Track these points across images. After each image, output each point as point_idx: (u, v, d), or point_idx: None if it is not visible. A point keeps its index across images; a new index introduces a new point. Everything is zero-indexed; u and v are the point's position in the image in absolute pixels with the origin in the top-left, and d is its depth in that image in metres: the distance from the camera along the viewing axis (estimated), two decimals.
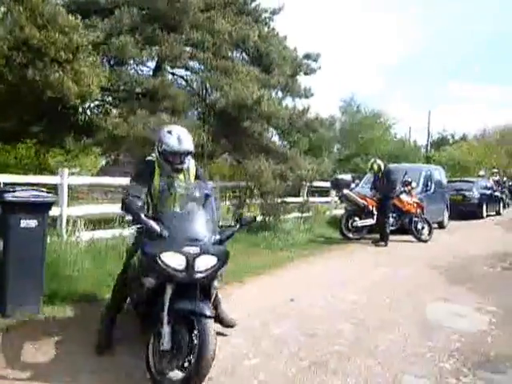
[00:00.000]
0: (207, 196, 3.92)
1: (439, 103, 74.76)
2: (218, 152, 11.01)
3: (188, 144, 3.86)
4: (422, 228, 11.73)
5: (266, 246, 9.65)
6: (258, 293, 6.26)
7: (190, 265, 3.31)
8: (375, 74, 74.62)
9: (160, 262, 3.31)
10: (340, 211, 13.07)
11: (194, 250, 3.35)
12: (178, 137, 3.83)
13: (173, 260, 3.32)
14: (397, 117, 32.03)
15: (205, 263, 3.37)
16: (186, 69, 11.76)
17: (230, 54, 11.88)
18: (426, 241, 11.58)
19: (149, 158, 4.03)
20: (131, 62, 10.91)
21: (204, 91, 11.62)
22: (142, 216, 3.49)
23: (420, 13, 79.47)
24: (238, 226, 3.86)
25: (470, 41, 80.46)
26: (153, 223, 3.46)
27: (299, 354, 4.15)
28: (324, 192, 15.25)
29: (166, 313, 3.30)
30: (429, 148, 35.91)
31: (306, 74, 12.71)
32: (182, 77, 11.93)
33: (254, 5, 12.79)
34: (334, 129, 24.24)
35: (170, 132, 3.87)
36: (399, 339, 4.62)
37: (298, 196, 13.45)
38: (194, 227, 3.50)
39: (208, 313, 3.28)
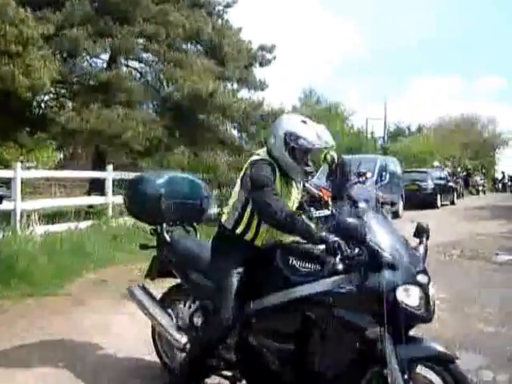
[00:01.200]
0: None
1: (400, 96, 76.47)
2: (175, 145, 11.01)
3: (331, 139, 2.89)
4: None
5: None
6: None
7: (428, 299, 2.44)
8: (335, 67, 75.47)
9: (398, 299, 2.38)
10: None
11: (423, 277, 2.47)
12: (316, 130, 2.86)
13: (408, 295, 2.40)
14: (354, 109, 32.74)
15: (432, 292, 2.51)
16: (140, 61, 11.77)
17: (184, 46, 11.96)
18: None
19: (258, 156, 2.95)
20: (84, 54, 10.81)
21: (159, 84, 11.63)
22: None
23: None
24: None
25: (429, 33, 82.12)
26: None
27: None
28: None
29: (395, 366, 2.37)
30: (386, 139, 36.71)
31: (261, 65, 12.84)
32: (136, 69, 11.91)
33: None
34: None
35: (304, 122, 2.88)
36: None
37: None
38: (403, 244, 2.59)
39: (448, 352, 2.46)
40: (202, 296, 3.17)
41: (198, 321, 3.25)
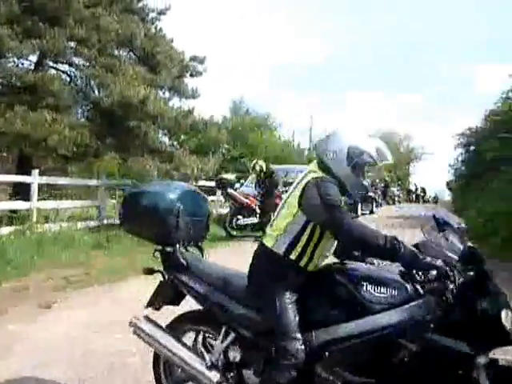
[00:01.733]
0: None
1: (328, 110, 79.23)
2: (105, 151, 10.89)
3: (390, 155, 2.73)
4: None
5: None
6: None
7: None
8: (268, 78, 77.03)
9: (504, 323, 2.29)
10: (225, 210, 13.52)
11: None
12: (377, 145, 2.70)
13: (507, 319, 2.32)
14: (282, 120, 33.46)
15: None
16: (70, 65, 11.49)
17: (116, 52, 11.82)
18: None
19: (318, 174, 2.67)
20: (10, 54, 10.41)
21: (89, 89, 11.44)
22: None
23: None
24: None
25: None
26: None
27: None
28: (210, 191, 15.62)
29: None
30: (311, 150, 37.89)
31: (192, 75, 12.97)
32: (65, 72, 11.62)
33: (141, 4, 12.84)
34: (225, 129, 24.87)
35: (367, 137, 2.75)
36: None
37: None
38: None
39: None
40: (239, 327, 2.79)
41: (235, 355, 2.85)
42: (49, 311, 5.53)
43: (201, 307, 2.99)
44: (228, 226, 11.89)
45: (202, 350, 2.99)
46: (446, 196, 38.00)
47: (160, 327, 3.02)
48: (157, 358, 3.12)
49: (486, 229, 9.53)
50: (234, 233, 11.88)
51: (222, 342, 2.85)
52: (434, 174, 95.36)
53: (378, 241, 2.40)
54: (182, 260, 2.93)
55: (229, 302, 2.80)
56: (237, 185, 12.90)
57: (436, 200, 39.32)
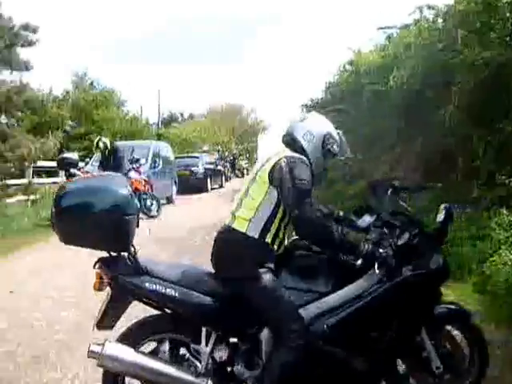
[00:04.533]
0: None
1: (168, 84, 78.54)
2: None
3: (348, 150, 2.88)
4: (151, 204, 12.02)
5: None
6: None
7: None
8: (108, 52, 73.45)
9: None
10: None
11: None
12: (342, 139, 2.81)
13: None
14: (129, 95, 32.30)
15: None
16: None
17: None
18: (154, 216, 11.88)
19: (292, 152, 2.64)
20: None
21: None
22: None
23: None
24: None
25: None
26: None
27: None
28: (53, 172, 14.71)
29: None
30: (160, 125, 37.46)
31: (23, 45, 11.89)
32: None
33: None
34: (67, 104, 23.26)
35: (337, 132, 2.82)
36: None
37: (23, 177, 12.70)
38: None
39: None
40: (221, 324, 2.61)
41: (221, 355, 2.63)
42: None
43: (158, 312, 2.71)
44: None
45: (183, 358, 2.65)
46: None
47: (128, 347, 2.57)
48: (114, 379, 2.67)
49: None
50: None
51: (206, 344, 2.61)
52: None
53: (331, 236, 2.51)
54: (141, 264, 2.57)
55: (203, 299, 2.56)
56: (81, 164, 12.28)
57: None
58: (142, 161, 12.52)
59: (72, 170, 11.27)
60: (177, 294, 2.53)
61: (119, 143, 13.20)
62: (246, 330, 2.62)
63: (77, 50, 62.68)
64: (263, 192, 2.56)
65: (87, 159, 13.96)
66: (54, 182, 14.46)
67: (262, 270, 2.52)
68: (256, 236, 2.54)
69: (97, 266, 2.55)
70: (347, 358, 2.56)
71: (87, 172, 11.75)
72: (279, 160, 2.55)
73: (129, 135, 23.21)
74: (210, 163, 22.46)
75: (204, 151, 25.11)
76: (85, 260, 2.89)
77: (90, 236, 2.48)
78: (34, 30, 12.13)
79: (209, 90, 76.56)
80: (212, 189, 21.29)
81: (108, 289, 2.59)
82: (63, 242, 2.51)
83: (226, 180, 25.65)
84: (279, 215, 2.56)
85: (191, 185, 18.96)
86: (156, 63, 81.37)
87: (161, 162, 15.22)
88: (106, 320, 2.62)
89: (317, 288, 2.60)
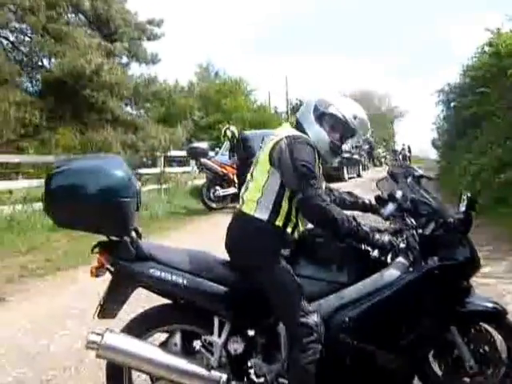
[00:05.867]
0: None
1: (300, 72, 78.38)
2: (58, 125, 9.98)
3: (368, 128, 2.68)
4: None
5: None
6: None
7: None
8: (238, 43, 75.13)
9: None
10: (200, 181, 12.75)
11: None
12: (356, 108, 2.56)
13: None
14: (257, 83, 32.43)
15: None
16: (13, 32, 10.41)
17: (66, 17, 10.76)
18: None
19: (293, 131, 2.46)
20: None
21: (37, 59, 10.41)
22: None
23: None
24: None
25: None
26: None
27: None
28: (183, 162, 14.81)
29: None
30: (289, 114, 37.06)
31: (149, 39, 12.06)
32: (6, 38, 10.47)
33: None
34: (193, 95, 23.75)
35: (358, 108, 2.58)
36: None
37: (155, 167, 12.89)
38: None
39: None
40: (234, 313, 2.43)
41: (236, 347, 2.45)
42: (3, 305, 4.77)
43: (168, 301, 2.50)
44: (205, 197, 11.11)
45: (194, 350, 2.47)
46: (433, 155, 37.55)
47: (130, 337, 2.39)
48: (118, 375, 2.47)
49: (472, 188, 8.99)
50: (213, 205, 11.09)
51: (219, 335, 2.41)
52: (420, 132, 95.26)
53: (343, 226, 2.30)
54: (144, 249, 2.37)
55: (214, 287, 2.39)
56: (211, 153, 12.06)
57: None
58: None
59: (202, 160, 11.09)
60: (184, 281, 2.36)
61: (248, 132, 12.88)
62: (261, 321, 2.44)
63: (205, 41, 64.67)
64: (265, 173, 2.39)
65: (217, 149, 13.80)
66: (185, 172, 14.58)
67: (274, 257, 2.35)
68: (265, 218, 2.35)
69: (96, 250, 2.35)
70: (372, 354, 2.42)
71: (217, 161, 11.53)
72: (280, 140, 2.37)
73: (257, 124, 22.99)
74: (346, 151, 21.50)
75: None
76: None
77: (83, 220, 2.31)
78: (159, 24, 12.26)
79: (339, 79, 74.86)
80: (349, 178, 20.42)
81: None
82: (57, 225, 2.39)
83: (364, 169, 24.46)
84: (286, 196, 2.35)
85: (326, 174, 18.19)
86: (284, 53, 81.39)
87: None
88: (107, 308, 2.42)
89: (336, 278, 2.44)
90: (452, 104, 16.78)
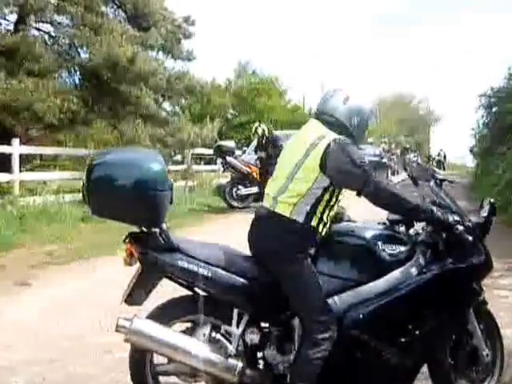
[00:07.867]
0: None
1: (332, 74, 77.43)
2: (93, 117, 10.19)
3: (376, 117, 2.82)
4: None
5: None
6: None
7: None
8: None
9: None
10: (225, 180, 12.81)
11: None
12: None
13: None
14: (292, 83, 31.86)
15: None
16: (52, 24, 10.63)
17: (103, 8, 10.95)
18: None
19: (338, 136, 2.51)
20: None
21: (74, 50, 10.64)
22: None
23: None
24: None
25: None
26: None
27: None
28: (211, 160, 14.88)
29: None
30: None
31: (185, 37, 12.16)
32: (48, 33, 10.76)
33: None
34: (230, 93, 23.75)
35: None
36: None
37: (182, 163, 13.00)
38: None
39: None
40: (253, 306, 2.54)
41: (252, 338, 2.57)
42: (25, 289, 5.10)
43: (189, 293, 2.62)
44: (228, 196, 11.17)
45: (214, 339, 2.56)
46: (470, 162, 36.37)
47: (157, 324, 2.52)
48: (141, 358, 2.57)
49: (504, 197, 8.71)
50: (235, 204, 11.15)
51: (237, 326, 2.56)
52: (457, 139, 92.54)
53: (410, 205, 2.45)
54: (173, 241, 2.50)
55: (237, 280, 2.51)
56: (238, 152, 12.08)
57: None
58: None
59: (228, 158, 11.13)
60: (209, 274, 2.47)
61: (279, 132, 12.85)
62: (278, 315, 2.57)
63: (245, 41, 64.87)
64: (312, 179, 2.45)
65: (244, 148, 13.82)
66: (212, 170, 14.66)
67: (299, 256, 2.47)
68: (302, 220, 2.47)
69: (127, 240, 2.48)
70: (386, 350, 2.51)
71: (242, 160, 11.55)
72: (328, 146, 2.43)
73: (290, 124, 22.86)
74: (375, 155, 21.29)
75: (368, 143, 23.71)
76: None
77: (119, 210, 2.42)
78: (193, 23, 12.37)
79: (376, 81, 73.82)
80: None
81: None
82: (94, 215, 2.50)
83: (393, 174, 24.02)
84: (325, 200, 2.49)
85: None
86: (320, 54, 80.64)
87: None
88: (134, 295, 2.54)
89: (353, 276, 2.54)
90: (494, 109, 16.24)
